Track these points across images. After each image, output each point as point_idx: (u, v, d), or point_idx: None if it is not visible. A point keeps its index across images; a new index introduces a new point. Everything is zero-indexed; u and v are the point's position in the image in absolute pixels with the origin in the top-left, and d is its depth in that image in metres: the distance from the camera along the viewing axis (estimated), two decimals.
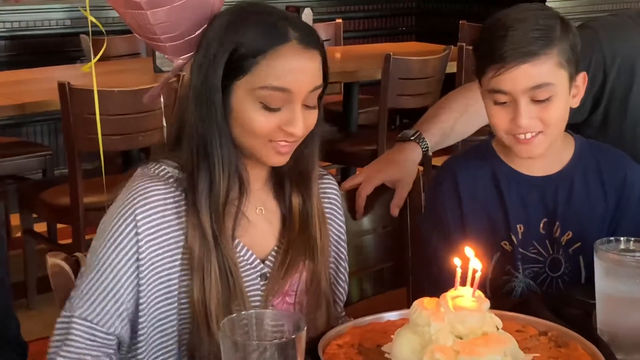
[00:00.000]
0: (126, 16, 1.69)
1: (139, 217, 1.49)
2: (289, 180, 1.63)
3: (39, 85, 3.92)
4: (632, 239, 1.52)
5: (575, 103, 1.80)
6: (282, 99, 1.50)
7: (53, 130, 4.94)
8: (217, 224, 1.51)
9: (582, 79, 1.80)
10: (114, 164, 4.23)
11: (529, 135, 1.73)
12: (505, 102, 1.72)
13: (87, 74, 4.06)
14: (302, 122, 1.51)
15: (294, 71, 1.50)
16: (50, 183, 3.93)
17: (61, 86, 3.36)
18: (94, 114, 3.14)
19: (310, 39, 1.53)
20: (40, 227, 4.13)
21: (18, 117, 4.31)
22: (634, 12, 2.39)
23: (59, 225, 4.08)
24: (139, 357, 1.54)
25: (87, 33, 4.87)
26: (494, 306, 1.39)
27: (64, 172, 4.01)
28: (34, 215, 3.92)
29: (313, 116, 1.55)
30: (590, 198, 1.85)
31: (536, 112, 1.71)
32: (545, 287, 1.83)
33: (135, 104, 3.36)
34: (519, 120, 1.70)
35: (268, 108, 1.50)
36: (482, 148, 1.89)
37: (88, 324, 1.50)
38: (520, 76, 1.68)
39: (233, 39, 1.50)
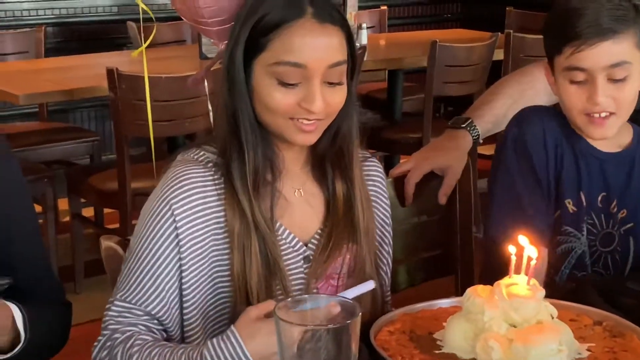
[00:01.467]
0: (175, 0, 1.70)
1: (173, 202, 1.49)
2: (330, 163, 1.62)
3: (87, 71, 3.95)
4: None
5: None
6: (298, 75, 1.48)
7: (100, 117, 4.98)
8: (255, 204, 1.52)
9: None
10: (160, 149, 4.26)
11: (603, 115, 1.73)
12: (581, 81, 1.73)
13: (133, 61, 4.10)
14: (321, 99, 1.49)
15: (309, 46, 1.48)
16: (97, 168, 3.98)
17: (110, 72, 3.39)
18: (142, 100, 3.20)
19: (327, 14, 1.51)
20: (88, 212, 4.18)
21: (66, 103, 4.35)
22: None
23: (106, 210, 4.13)
24: (188, 335, 1.55)
25: (133, 20, 4.95)
26: (547, 292, 1.39)
27: (111, 158, 4.05)
28: (82, 200, 3.97)
29: (338, 94, 1.53)
30: None
31: (611, 91, 1.72)
32: (593, 260, 1.83)
33: (182, 90, 3.37)
34: (596, 98, 1.70)
35: (284, 84, 1.49)
36: (558, 112, 1.87)
37: (127, 305, 1.51)
38: (601, 53, 1.69)
39: (252, 17, 1.50)
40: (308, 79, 1.49)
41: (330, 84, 1.51)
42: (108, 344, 1.49)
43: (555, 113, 1.86)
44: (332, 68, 1.50)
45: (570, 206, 1.82)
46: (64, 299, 1.70)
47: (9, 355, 1.41)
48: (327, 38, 1.50)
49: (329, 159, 1.61)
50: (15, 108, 4.50)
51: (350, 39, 1.55)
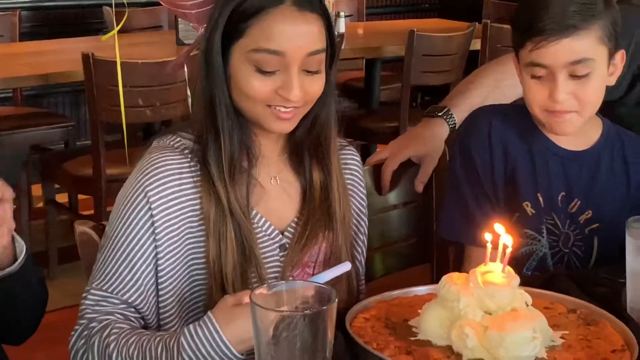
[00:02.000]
0: None
1: (149, 189, 1.50)
2: (307, 152, 1.62)
3: (62, 56, 3.94)
4: None
5: (612, 81, 1.79)
6: (276, 63, 1.49)
7: (75, 102, 4.96)
8: (231, 190, 1.52)
9: (620, 56, 1.78)
10: (136, 136, 4.25)
11: (563, 111, 1.72)
12: (542, 77, 1.71)
13: (110, 46, 4.04)
14: (299, 87, 1.49)
15: (287, 34, 1.48)
16: (72, 154, 3.96)
17: (85, 57, 3.38)
18: (117, 85, 3.18)
19: (307, 1, 1.51)
20: (62, 198, 4.16)
21: (41, 88, 4.34)
22: None
23: (80, 197, 4.11)
24: (165, 322, 1.55)
25: (109, 5, 4.92)
26: (522, 283, 1.39)
27: (86, 144, 4.03)
28: (56, 186, 3.96)
29: (317, 82, 1.54)
30: (614, 180, 1.84)
31: (573, 88, 1.70)
32: (555, 260, 1.84)
33: (158, 76, 3.37)
34: (556, 95, 1.69)
35: (262, 71, 1.49)
36: (517, 108, 1.87)
37: (103, 294, 1.51)
38: (561, 50, 1.67)
39: (232, 2, 1.50)
40: (286, 66, 1.49)
41: (309, 72, 1.51)
42: (85, 333, 1.49)
43: (514, 111, 1.86)
44: (311, 56, 1.50)
45: (529, 208, 1.81)
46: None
47: (14, 265, 1.39)
48: (307, 26, 1.50)
49: (306, 147, 1.62)
50: None
51: (330, 27, 1.55)
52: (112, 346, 1.44)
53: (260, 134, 1.58)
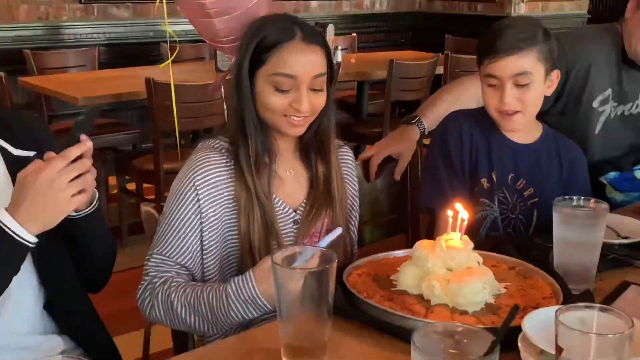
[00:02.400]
0: (197, 24, 1.69)
1: (197, 179, 1.49)
2: (313, 151, 1.61)
3: (130, 80, 3.92)
4: (582, 197, 1.50)
5: (549, 92, 1.81)
6: (290, 83, 1.48)
7: (140, 115, 4.95)
8: (256, 180, 1.51)
9: (556, 75, 1.80)
10: (185, 139, 4.25)
11: (511, 112, 1.74)
12: (495, 85, 1.74)
13: (166, 73, 4.05)
14: (308, 101, 1.49)
15: (298, 61, 1.47)
16: (138, 154, 3.95)
17: (147, 81, 3.38)
18: (172, 102, 3.17)
19: (312, 37, 1.50)
20: (131, 187, 4.16)
21: (114, 104, 4.31)
22: (591, 28, 2.37)
23: (144, 185, 4.11)
24: (207, 280, 1.54)
25: (165, 42, 4.91)
26: (476, 247, 1.39)
27: (149, 146, 4.02)
28: (127, 177, 3.95)
29: (320, 98, 1.53)
30: (550, 168, 1.85)
31: (517, 94, 1.72)
32: (504, 224, 1.84)
33: (202, 94, 3.36)
34: (504, 98, 1.72)
35: (280, 90, 1.48)
36: (480, 112, 1.86)
37: (161, 258, 1.51)
38: (508, 65, 1.70)
39: (255, 39, 1.49)
40: (298, 86, 1.48)
41: (314, 90, 1.51)
42: (149, 287, 1.49)
43: (477, 114, 1.85)
44: (315, 78, 1.50)
45: (485, 183, 1.81)
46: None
47: (93, 204, 1.35)
48: (312, 55, 1.49)
49: (312, 147, 1.61)
50: (76, 108, 4.45)
51: (329, 56, 1.53)
52: (172, 295, 1.44)
53: (278, 137, 1.57)
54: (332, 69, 1.55)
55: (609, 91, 2.22)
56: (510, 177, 1.82)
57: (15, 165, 1.37)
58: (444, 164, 1.82)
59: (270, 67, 1.48)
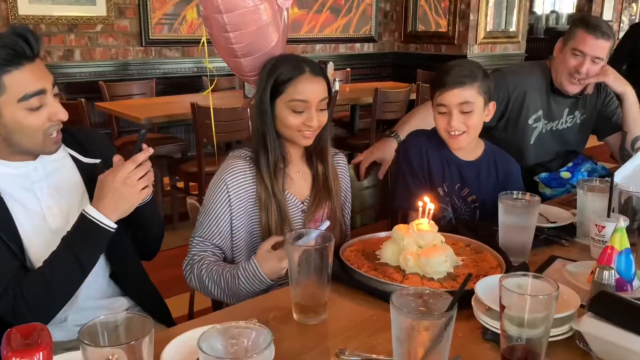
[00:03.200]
0: (229, 62, 1.69)
1: (228, 180, 1.48)
2: (315, 155, 1.60)
3: (179, 105, 3.91)
4: (520, 192, 1.49)
5: (487, 119, 1.76)
6: (303, 106, 1.48)
7: (187, 130, 4.95)
8: (274, 182, 1.50)
9: (492, 105, 1.76)
10: (220, 149, 4.23)
11: (457, 133, 1.71)
12: (445, 112, 1.70)
13: (206, 98, 4.06)
14: (317, 119, 1.49)
15: (308, 89, 1.47)
16: (185, 160, 3.94)
17: (192, 105, 3.36)
18: (211, 121, 3.18)
19: (317, 71, 1.50)
20: (180, 185, 4.15)
21: (167, 122, 4.31)
22: (526, 63, 2.38)
23: (190, 184, 4.11)
24: (236, 257, 1.54)
25: (206, 76, 4.91)
26: (440, 230, 1.39)
27: (193, 154, 4.02)
28: (177, 178, 3.94)
29: (325, 116, 1.52)
30: (489, 177, 1.81)
31: (462, 119, 1.69)
32: (456, 220, 1.81)
33: (233, 115, 3.35)
34: (452, 122, 1.68)
35: (295, 112, 1.48)
36: (436, 133, 1.82)
37: (201, 239, 1.50)
38: (454, 95, 1.67)
39: (273, 75, 1.49)
40: (309, 108, 1.48)
41: (321, 110, 1.50)
42: (190, 262, 1.49)
43: (434, 134, 1.81)
44: (321, 101, 1.49)
45: (440, 191, 1.79)
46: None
47: (150, 194, 1.32)
48: (318, 84, 1.49)
49: (315, 153, 1.60)
50: (139, 126, 4.45)
51: (328, 85, 1.53)
52: (203, 272, 1.44)
53: (290, 147, 1.56)
54: (330, 94, 1.55)
55: (540, 112, 2.22)
56: (457, 186, 1.79)
57: (85, 171, 1.39)
58: (408, 171, 1.79)
59: (288, 95, 1.48)
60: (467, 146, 1.76)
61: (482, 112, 1.72)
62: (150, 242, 1.52)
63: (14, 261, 1.24)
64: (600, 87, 2.26)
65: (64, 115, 1.27)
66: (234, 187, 1.49)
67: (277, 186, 1.51)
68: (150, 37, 4.96)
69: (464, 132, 1.70)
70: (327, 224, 1.42)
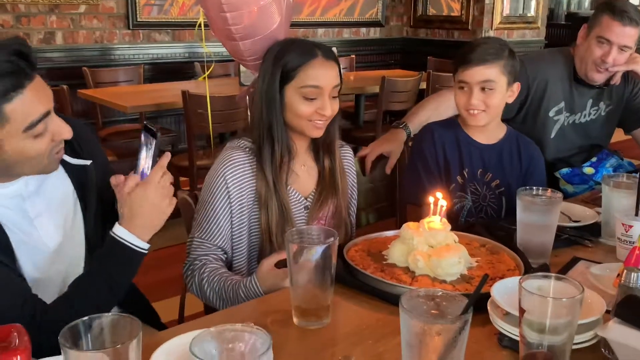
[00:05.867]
0: (227, 45, 1.68)
1: (227, 173, 1.48)
2: (322, 149, 1.60)
3: (169, 92, 3.90)
4: (540, 188, 1.49)
5: (510, 100, 1.80)
6: (315, 93, 1.47)
7: (177, 121, 4.95)
8: (276, 177, 1.50)
9: (517, 86, 1.80)
10: (214, 140, 4.22)
11: (476, 111, 1.75)
12: (465, 89, 1.75)
13: (198, 85, 4.06)
14: (330, 107, 1.49)
15: (321, 74, 1.47)
16: (176, 153, 3.93)
17: (183, 93, 3.35)
18: (204, 110, 3.17)
19: (329, 55, 1.50)
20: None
21: (156, 112, 4.31)
22: (547, 51, 2.37)
23: (181, 178, 4.10)
24: (235, 261, 1.54)
25: (198, 61, 4.90)
26: (453, 228, 1.38)
27: (184, 147, 4.01)
28: None
29: (336, 104, 1.53)
30: (512, 162, 1.84)
31: (482, 97, 1.74)
32: (477, 211, 1.83)
33: (229, 104, 3.35)
34: (471, 100, 1.73)
35: (308, 99, 1.48)
36: (450, 121, 1.88)
37: (200, 240, 1.50)
38: (476, 73, 1.72)
39: (280, 62, 1.48)
40: (322, 95, 1.48)
41: (334, 97, 1.51)
42: (191, 267, 1.49)
43: (447, 124, 1.85)
44: (334, 88, 1.50)
45: (459, 179, 1.80)
46: None
47: None
48: (331, 70, 1.49)
49: (322, 146, 1.60)
50: (125, 115, 4.47)
51: (340, 71, 1.53)
52: (204, 280, 1.44)
53: (296, 139, 1.55)
54: (342, 80, 1.54)
55: (562, 103, 2.22)
56: (479, 171, 1.81)
57: (75, 175, 1.34)
58: (422, 167, 1.82)
59: (299, 81, 1.47)
60: (487, 127, 1.79)
61: (505, 92, 1.76)
62: None
63: (23, 283, 1.18)
64: (628, 77, 2.25)
65: (68, 134, 1.20)
66: (233, 181, 1.48)
67: (280, 181, 1.50)
68: (138, 20, 4.96)
69: (483, 110, 1.74)
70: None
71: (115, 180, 1.22)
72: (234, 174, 1.48)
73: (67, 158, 1.33)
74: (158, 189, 1.19)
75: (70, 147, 1.34)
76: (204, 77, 2.03)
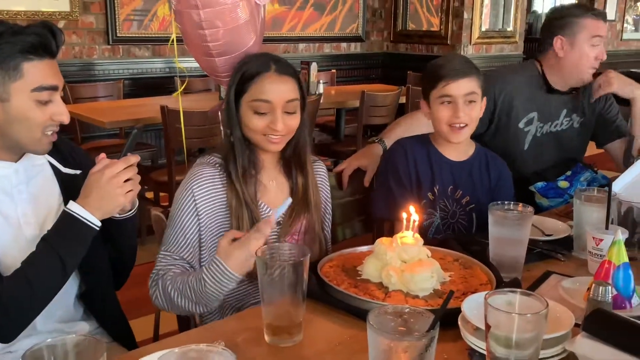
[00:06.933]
0: (201, 61, 1.69)
1: (194, 188, 1.48)
2: (293, 164, 1.59)
3: (148, 107, 3.89)
4: (512, 202, 1.50)
5: (481, 114, 1.81)
6: (266, 107, 1.47)
7: (157, 136, 4.93)
8: (245, 189, 1.50)
9: (484, 101, 1.82)
10: (194, 155, 4.21)
11: (462, 125, 1.75)
12: (450, 103, 1.74)
13: (177, 101, 4.05)
14: (282, 122, 1.48)
15: (272, 89, 1.47)
16: (155, 168, 3.93)
17: (162, 108, 3.35)
18: (182, 125, 3.16)
19: (284, 70, 1.50)
20: (149, 195, 4.12)
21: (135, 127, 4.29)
22: (512, 65, 2.42)
23: (161, 194, 4.08)
24: None
25: (178, 76, 4.89)
26: (426, 243, 1.39)
27: (164, 162, 3.99)
28: (145, 187, 3.91)
29: (294, 119, 1.51)
30: (481, 178, 1.85)
31: (467, 110, 1.74)
32: (445, 227, 1.83)
33: (207, 119, 3.34)
34: (458, 114, 1.73)
35: (258, 113, 1.48)
36: (422, 137, 1.88)
37: (168, 253, 1.49)
38: (462, 85, 1.72)
39: (239, 73, 1.50)
40: (273, 109, 1.47)
41: (288, 113, 1.50)
42: (155, 278, 1.47)
43: (419, 139, 1.86)
44: (288, 103, 1.49)
45: (430, 196, 1.81)
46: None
47: (135, 208, 1.42)
48: (284, 84, 1.49)
49: (292, 161, 1.59)
50: (104, 130, 4.43)
51: (300, 85, 1.52)
52: (168, 284, 1.42)
53: (262, 153, 1.55)
54: (303, 95, 1.54)
55: (533, 114, 2.25)
56: (449, 188, 1.82)
57: (63, 181, 1.42)
58: (394, 181, 1.81)
59: (251, 94, 1.48)
60: (460, 144, 1.80)
61: (481, 105, 1.78)
62: (120, 267, 1.52)
63: None
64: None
65: (66, 118, 1.32)
66: (201, 196, 1.48)
67: (249, 193, 1.50)
68: (117, 35, 4.95)
69: (466, 124, 1.75)
70: (288, 203, 1.40)
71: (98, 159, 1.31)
72: (201, 190, 1.48)
73: (58, 165, 1.42)
74: (113, 177, 1.27)
75: (62, 156, 1.43)
76: (178, 94, 2.04)
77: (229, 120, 1.51)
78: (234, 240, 1.33)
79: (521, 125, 2.24)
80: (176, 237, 1.49)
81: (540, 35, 2.29)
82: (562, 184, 2.24)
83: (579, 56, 2.17)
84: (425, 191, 1.80)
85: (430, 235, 1.82)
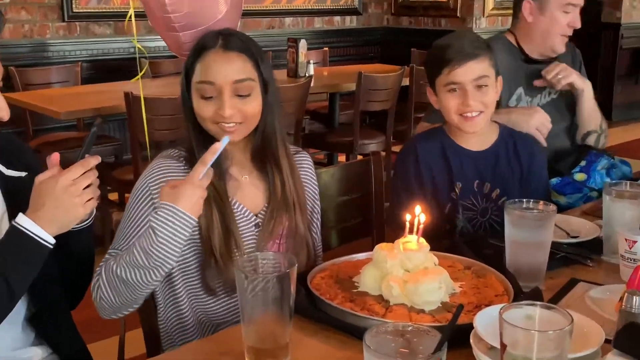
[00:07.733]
0: (165, 37, 1.69)
1: (151, 183, 1.48)
2: (267, 158, 1.57)
3: (111, 95, 3.86)
4: (531, 200, 1.50)
5: (497, 97, 1.82)
6: (211, 90, 1.46)
7: (121, 127, 4.92)
8: (213, 183, 1.45)
9: (499, 81, 1.83)
10: (163, 150, 4.19)
11: (474, 114, 1.75)
12: (456, 90, 1.75)
13: (146, 87, 4.03)
14: (231, 107, 1.46)
15: (216, 68, 1.46)
16: (119, 164, 3.91)
17: (126, 95, 3.33)
18: (151, 114, 3.14)
19: (232, 45, 1.48)
20: (113, 197, 4.10)
21: (95, 117, 4.27)
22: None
23: (126, 194, 4.07)
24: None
25: (148, 58, 4.87)
26: (432, 249, 1.39)
27: (129, 158, 3.98)
28: (108, 188, 3.90)
29: (250, 104, 1.49)
30: (511, 166, 1.87)
31: (479, 96, 1.75)
32: (476, 227, 1.84)
33: (178, 107, 3.31)
34: (468, 102, 1.74)
35: (204, 97, 1.47)
36: (434, 130, 1.89)
37: (115, 251, 1.48)
38: (469, 70, 1.73)
39: (191, 52, 1.49)
40: (219, 92, 1.46)
41: (240, 96, 1.48)
42: (99, 271, 1.44)
43: (433, 132, 1.88)
44: (237, 83, 1.47)
45: (454, 195, 1.82)
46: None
47: (92, 217, 1.38)
48: (230, 62, 1.47)
49: (266, 155, 1.57)
50: (59, 122, 4.42)
51: (257, 63, 1.50)
52: (112, 262, 1.40)
53: (229, 145, 1.49)
54: (262, 74, 1.51)
55: (520, 89, 2.32)
56: (475, 183, 1.83)
57: (6, 183, 1.38)
58: (404, 190, 1.83)
59: (196, 75, 1.47)
60: (480, 131, 1.81)
61: (495, 87, 1.79)
62: (76, 283, 1.50)
63: None
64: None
65: (6, 113, 1.28)
66: (158, 192, 1.46)
67: (217, 188, 1.49)
68: (74, 10, 4.93)
69: (481, 111, 1.75)
70: (225, 142, 1.39)
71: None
72: (159, 185, 1.47)
73: (1, 167, 1.38)
74: (70, 186, 1.23)
75: (5, 156, 1.39)
76: (138, 78, 2.02)
77: (183, 108, 1.51)
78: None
79: (512, 103, 2.30)
80: (127, 234, 1.48)
81: (513, 1, 2.41)
82: (579, 176, 2.24)
83: (550, 22, 2.28)
84: (445, 192, 1.81)
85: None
